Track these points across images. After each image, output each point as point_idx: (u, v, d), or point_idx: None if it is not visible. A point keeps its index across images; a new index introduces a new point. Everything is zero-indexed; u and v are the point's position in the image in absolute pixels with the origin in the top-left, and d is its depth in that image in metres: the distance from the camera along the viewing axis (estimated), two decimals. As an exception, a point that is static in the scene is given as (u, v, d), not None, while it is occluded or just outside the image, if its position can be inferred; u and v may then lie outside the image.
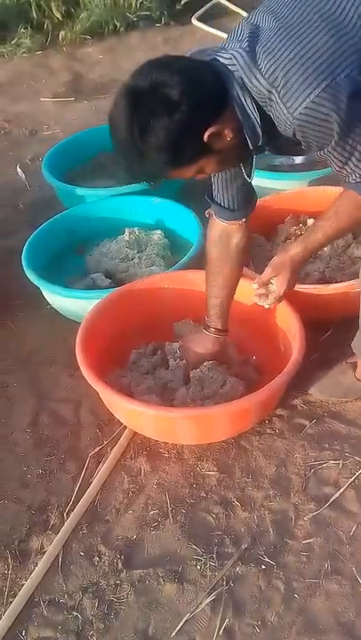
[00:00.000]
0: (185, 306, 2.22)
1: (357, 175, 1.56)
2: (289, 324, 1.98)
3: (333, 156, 1.55)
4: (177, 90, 1.40)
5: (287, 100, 1.46)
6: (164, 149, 1.44)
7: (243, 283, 2.11)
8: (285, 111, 1.47)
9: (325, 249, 2.39)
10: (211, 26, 4.87)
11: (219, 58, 1.53)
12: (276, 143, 1.62)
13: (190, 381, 2.02)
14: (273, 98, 1.48)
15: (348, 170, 1.57)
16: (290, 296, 2.01)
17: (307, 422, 1.99)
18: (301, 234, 2.50)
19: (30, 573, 1.68)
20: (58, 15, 4.97)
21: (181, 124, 1.42)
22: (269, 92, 1.48)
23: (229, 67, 1.52)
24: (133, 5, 5.01)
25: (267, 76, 1.47)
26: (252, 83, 1.49)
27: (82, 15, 4.97)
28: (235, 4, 5.09)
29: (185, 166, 1.54)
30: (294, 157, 2.93)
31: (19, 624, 1.59)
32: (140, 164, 1.50)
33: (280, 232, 2.57)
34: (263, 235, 2.57)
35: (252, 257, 2.46)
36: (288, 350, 1.94)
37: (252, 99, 1.52)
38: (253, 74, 1.49)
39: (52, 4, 4.93)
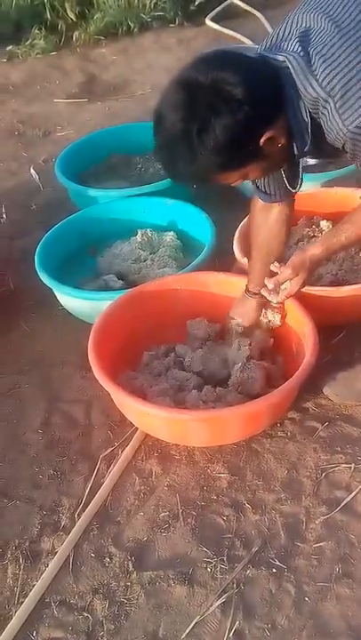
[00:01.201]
0: (197, 307, 2.22)
1: None
2: (302, 327, 1.98)
3: None
4: (241, 89, 1.35)
5: (343, 111, 1.42)
6: (221, 151, 1.39)
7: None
8: (340, 123, 1.43)
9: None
10: (225, 26, 4.87)
11: (273, 58, 1.48)
12: (319, 149, 1.58)
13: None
14: (328, 107, 1.44)
15: None
16: (303, 298, 2.02)
17: (319, 425, 1.99)
18: (315, 235, 2.51)
19: (41, 574, 1.69)
20: (72, 16, 5.00)
21: (243, 125, 1.37)
22: (325, 100, 1.43)
23: (285, 68, 1.46)
24: (147, 6, 5.03)
25: (324, 85, 1.42)
26: (306, 89, 1.45)
27: (96, 16, 4.99)
28: (249, 5, 5.10)
29: (233, 170, 1.50)
30: (308, 159, 2.92)
31: (29, 624, 1.60)
32: (188, 164, 1.43)
33: (293, 234, 2.56)
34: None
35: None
36: (301, 353, 1.94)
37: (305, 104, 1.48)
38: (308, 80, 1.44)
39: (67, 5, 4.96)
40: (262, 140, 1.44)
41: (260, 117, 1.41)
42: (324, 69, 1.42)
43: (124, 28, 4.99)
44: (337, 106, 1.42)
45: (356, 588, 1.60)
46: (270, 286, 1.81)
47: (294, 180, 1.76)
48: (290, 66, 1.45)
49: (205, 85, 1.36)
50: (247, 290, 2.07)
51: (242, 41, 4.60)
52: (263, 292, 1.84)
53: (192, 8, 5.13)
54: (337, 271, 2.34)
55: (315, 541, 1.71)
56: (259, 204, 1.93)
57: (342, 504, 1.78)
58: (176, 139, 1.40)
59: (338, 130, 1.45)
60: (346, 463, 1.88)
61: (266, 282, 1.84)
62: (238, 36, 4.69)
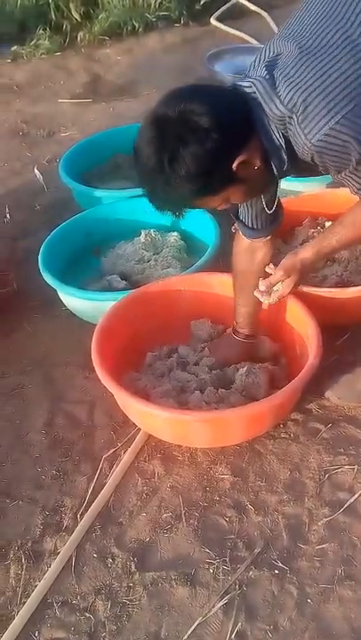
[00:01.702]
0: (201, 308, 2.23)
1: None
2: (305, 328, 1.98)
3: (351, 180, 1.56)
4: (207, 118, 1.40)
5: (305, 126, 1.46)
6: (194, 178, 1.44)
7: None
8: (303, 137, 1.47)
9: (345, 252, 2.39)
10: (230, 26, 4.88)
11: (240, 86, 1.54)
12: (298, 167, 1.61)
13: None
14: (292, 122, 1.48)
15: None
16: (307, 299, 2.03)
17: (322, 427, 1.99)
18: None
19: (44, 574, 1.70)
20: (76, 16, 5.01)
21: (212, 152, 1.42)
22: (290, 117, 1.48)
23: (251, 94, 1.51)
24: (152, 6, 5.04)
25: (285, 102, 1.47)
26: (271, 110, 1.50)
27: (100, 16, 5.00)
28: (254, 4, 5.10)
29: (211, 195, 1.54)
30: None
31: (32, 625, 1.61)
32: (167, 194, 1.49)
33: (298, 235, 2.57)
34: (281, 237, 2.57)
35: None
36: (304, 354, 1.94)
37: (275, 124, 1.52)
38: (273, 101, 1.49)
39: (71, 5, 4.97)
40: (235, 165, 1.48)
41: (230, 143, 1.46)
42: (286, 87, 1.47)
43: (129, 28, 5.00)
44: (299, 120, 1.46)
45: (359, 589, 1.60)
46: (262, 288, 1.82)
47: (271, 202, 1.80)
48: (256, 90, 1.51)
49: (173, 118, 1.42)
50: (235, 331, 2.09)
51: (247, 40, 4.60)
52: (256, 294, 1.85)
53: (197, 7, 5.14)
54: (342, 272, 2.34)
55: (317, 543, 1.71)
56: (243, 243, 1.94)
57: (345, 506, 1.78)
58: (152, 171, 1.46)
59: (303, 144, 1.49)
60: (349, 465, 1.88)
61: (259, 283, 1.84)
62: (243, 35, 4.69)
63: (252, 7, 5.10)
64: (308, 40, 1.50)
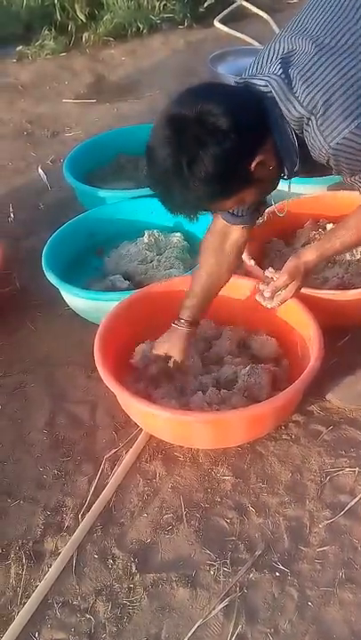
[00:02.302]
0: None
1: None
2: (307, 330, 1.95)
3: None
4: (225, 119, 1.36)
5: (325, 128, 1.42)
6: (213, 180, 1.40)
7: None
8: (322, 140, 1.44)
9: (346, 254, 2.37)
10: (233, 28, 4.85)
11: (254, 84, 1.49)
12: (308, 167, 1.58)
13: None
14: (311, 124, 1.44)
15: None
16: (309, 301, 2.00)
17: (323, 429, 1.97)
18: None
19: (44, 574, 1.68)
20: (81, 17, 4.98)
21: (230, 154, 1.38)
22: (308, 118, 1.44)
23: (267, 93, 1.47)
24: (157, 8, 5.01)
25: (305, 104, 1.43)
26: (289, 111, 1.45)
27: (105, 17, 4.97)
28: (257, 7, 5.07)
29: (228, 197, 1.50)
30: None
31: (32, 625, 1.59)
32: (183, 196, 1.44)
33: (299, 237, 2.55)
34: (282, 239, 2.55)
35: (271, 261, 2.44)
36: (306, 356, 1.92)
37: (290, 125, 1.48)
38: (291, 101, 1.45)
39: (76, 6, 4.94)
40: (253, 166, 1.44)
41: (248, 144, 1.43)
42: (305, 89, 1.42)
43: (134, 30, 4.97)
44: (318, 122, 1.42)
45: (360, 593, 1.58)
46: (267, 294, 1.77)
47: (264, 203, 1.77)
48: (272, 89, 1.46)
49: (191, 118, 1.37)
50: (179, 319, 1.98)
51: (250, 43, 4.58)
52: (258, 298, 1.80)
53: (201, 10, 5.11)
54: (343, 274, 2.32)
55: (318, 545, 1.68)
56: (218, 224, 1.88)
57: (346, 508, 1.76)
58: (168, 173, 1.41)
59: (320, 147, 1.45)
60: (350, 467, 1.85)
61: (261, 287, 1.80)
62: (246, 37, 4.66)
63: (255, 10, 5.08)
64: (323, 39, 1.46)
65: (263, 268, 2.25)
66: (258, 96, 1.47)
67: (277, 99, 1.45)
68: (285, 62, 1.46)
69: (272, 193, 1.86)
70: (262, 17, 4.98)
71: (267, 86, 1.47)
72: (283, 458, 1.90)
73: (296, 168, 1.55)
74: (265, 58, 1.54)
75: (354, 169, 1.49)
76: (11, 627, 1.58)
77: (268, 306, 1.80)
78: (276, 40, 1.55)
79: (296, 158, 1.52)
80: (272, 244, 2.52)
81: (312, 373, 1.81)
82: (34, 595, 1.63)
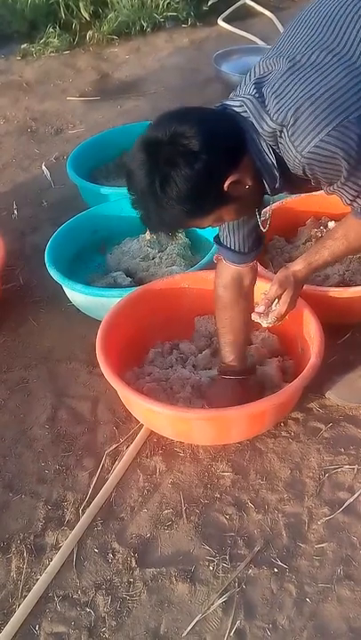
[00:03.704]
0: (204, 306, 2.19)
1: None
2: (308, 327, 1.95)
3: (342, 192, 1.53)
4: (196, 140, 1.39)
5: (295, 138, 1.43)
6: (185, 200, 1.43)
7: (265, 286, 2.09)
8: (293, 150, 1.45)
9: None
10: (237, 27, 4.83)
11: (230, 106, 1.52)
12: (291, 183, 1.59)
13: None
14: (283, 135, 1.46)
15: (359, 204, 1.54)
16: (309, 299, 1.99)
17: (322, 426, 1.96)
18: (322, 236, 2.47)
19: (45, 568, 1.68)
20: (86, 15, 4.96)
21: (202, 174, 1.41)
22: (280, 130, 1.46)
23: (242, 113, 1.50)
24: (160, 6, 4.98)
25: (274, 118, 1.45)
26: (262, 127, 1.48)
27: (109, 15, 4.95)
28: (261, 6, 5.05)
29: (204, 216, 1.52)
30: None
31: (32, 618, 1.59)
32: (159, 216, 1.47)
33: (301, 234, 2.54)
34: (284, 236, 2.54)
35: (272, 259, 2.44)
36: (306, 353, 1.91)
37: (266, 141, 1.50)
38: (263, 119, 1.47)
39: (81, 5, 4.92)
40: (226, 185, 1.46)
41: (220, 164, 1.44)
42: (276, 104, 1.45)
43: (137, 28, 4.94)
44: (289, 133, 1.44)
45: (358, 589, 1.58)
46: (261, 309, 1.75)
47: (264, 221, 1.75)
48: (247, 109, 1.49)
49: (164, 141, 1.41)
50: (225, 372, 1.96)
51: (253, 41, 4.56)
52: (253, 317, 1.78)
53: (205, 8, 5.08)
54: (344, 272, 2.31)
55: (317, 542, 1.68)
56: (228, 273, 1.86)
57: (345, 505, 1.75)
58: (144, 193, 1.45)
59: (294, 157, 1.46)
60: (349, 464, 1.84)
61: (255, 307, 1.77)
62: (250, 36, 4.64)
63: (259, 8, 5.05)
64: (297, 56, 1.48)
65: (265, 265, 2.25)
66: (233, 117, 1.50)
67: (252, 117, 1.48)
68: (259, 83, 1.50)
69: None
70: (266, 15, 4.96)
71: (242, 106, 1.50)
72: (282, 455, 1.89)
73: (278, 184, 1.56)
74: (243, 82, 1.58)
75: (330, 178, 1.49)
76: (11, 620, 1.58)
77: (265, 323, 1.76)
78: (257, 65, 1.59)
79: (277, 173, 1.53)
80: (274, 241, 2.51)
81: (312, 370, 1.81)
82: (34, 588, 1.63)
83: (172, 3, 5.00)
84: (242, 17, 5.02)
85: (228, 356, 1.94)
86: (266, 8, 5.01)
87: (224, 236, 1.80)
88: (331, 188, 1.53)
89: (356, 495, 1.77)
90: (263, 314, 1.75)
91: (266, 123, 1.47)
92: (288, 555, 1.66)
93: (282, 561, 1.64)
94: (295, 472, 1.84)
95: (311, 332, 1.91)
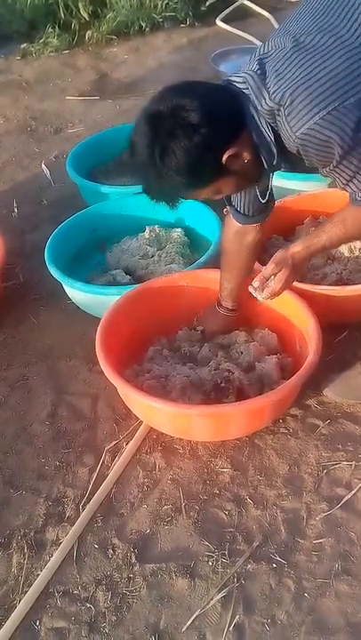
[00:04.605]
0: (203, 304, 2.19)
1: None
2: (306, 325, 1.94)
3: (336, 175, 1.54)
4: (196, 114, 1.42)
5: (291, 118, 1.45)
6: (183, 171, 1.46)
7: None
8: (289, 130, 1.47)
9: (344, 252, 2.36)
10: (235, 27, 4.81)
11: (233, 81, 1.54)
12: (289, 161, 1.61)
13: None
14: (280, 114, 1.48)
15: (353, 188, 1.56)
16: (307, 297, 1.99)
17: (321, 423, 1.95)
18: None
19: (45, 564, 1.67)
20: (85, 15, 4.94)
21: (200, 146, 1.43)
22: (278, 110, 1.48)
23: (243, 90, 1.52)
24: (159, 6, 4.97)
25: (273, 96, 1.47)
26: (261, 105, 1.50)
27: (108, 15, 4.93)
28: (259, 6, 5.04)
29: (202, 187, 1.56)
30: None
31: (33, 614, 1.58)
32: (159, 186, 1.51)
33: (299, 233, 2.53)
34: (282, 235, 2.53)
35: (270, 257, 2.42)
36: (304, 351, 1.91)
37: (265, 119, 1.51)
38: (263, 96, 1.49)
39: (80, 5, 4.90)
40: (224, 158, 1.49)
41: (219, 137, 1.47)
42: (275, 83, 1.47)
43: (136, 28, 4.93)
44: (286, 113, 1.46)
45: (356, 585, 1.57)
46: (256, 284, 1.79)
47: (264, 192, 1.79)
48: (248, 85, 1.51)
49: (166, 114, 1.44)
50: (219, 304, 2.11)
51: (251, 41, 4.54)
52: (250, 289, 1.82)
53: (203, 9, 5.07)
54: (342, 270, 2.30)
55: (315, 538, 1.67)
56: (233, 227, 1.93)
57: (343, 501, 1.74)
58: (145, 164, 1.48)
59: (289, 137, 1.48)
60: (347, 461, 1.84)
61: (253, 282, 1.81)
62: (248, 36, 4.63)
63: (257, 9, 5.04)
64: (302, 37, 1.49)
65: (263, 263, 2.24)
66: (234, 92, 1.52)
67: (252, 95, 1.50)
68: (263, 60, 1.52)
69: (273, 190, 1.89)
70: (264, 16, 4.95)
71: (244, 82, 1.52)
72: (281, 451, 1.89)
73: (275, 160, 1.58)
74: (249, 59, 1.59)
75: (324, 161, 1.51)
76: (12, 615, 1.57)
77: (259, 297, 1.80)
78: (265, 43, 1.60)
79: (274, 150, 1.55)
80: (272, 240, 2.51)
81: (310, 368, 1.80)
82: (35, 584, 1.63)
83: (170, 3, 4.99)
84: (240, 17, 5.01)
85: (223, 291, 2.08)
86: (263, 8, 5.00)
87: (233, 196, 1.84)
88: (325, 170, 1.55)
89: (353, 491, 1.76)
90: (258, 289, 1.78)
91: (265, 100, 1.49)
92: (287, 550, 1.65)
93: (280, 556, 1.64)
94: (294, 468, 1.84)
95: (309, 330, 1.91)
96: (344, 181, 1.55)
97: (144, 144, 1.46)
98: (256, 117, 1.51)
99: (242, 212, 1.85)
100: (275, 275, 1.75)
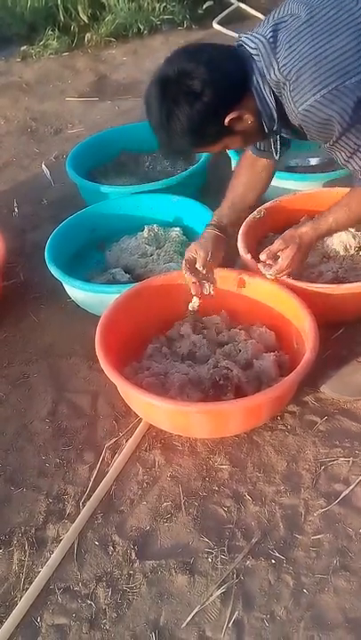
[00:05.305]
0: (201, 302, 2.16)
1: None
2: (302, 323, 1.91)
3: (337, 150, 1.60)
4: (199, 81, 1.48)
5: (295, 94, 1.51)
6: (188, 134, 1.55)
7: (254, 281, 2.06)
8: (292, 104, 1.53)
9: (340, 250, 2.33)
10: (231, 30, 4.77)
11: (246, 44, 1.58)
12: (292, 129, 1.65)
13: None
14: (285, 88, 1.53)
15: (354, 166, 1.61)
16: (304, 295, 1.96)
17: (318, 419, 1.92)
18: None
19: (46, 561, 1.64)
20: (84, 18, 4.90)
21: (201, 113, 1.52)
22: (284, 83, 1.53)
23: (253, 55, 1.56)
24: (157, 9, 4.93)
25: (282, 69, 1.52)
26: (269, 74, 1.55)
27: (107, 18, 4.89)
28: (254, 9, 5.00)
29: (208, 146, 1.65)
30: (310, 159, 2.86)
31: (34, 610, 1.56)
32: (170, 144, 1.62)
33: (295, 232, 2.50)
34: (279, 234, 2.48)
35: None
36: (301, 348, 1.88)
37: (270, 87, 1.55)
38: (272, 65, 1.54)
39: (79, 8, 4.86)
40: (227, 121, 1.56)
41: (221, 103, 1.54)
42: (286, 56, 1.52)
43: (134, 31, 4.89)
44: (290, 88, 1.52)
45: (354, 580, 1.55)
46: (263, 257, 1.85)
47: (280, 150, 1.87)
48: (259, 52, 1.56)
49: (172, 79, 1.51)
50: (209, 224, 2.06)
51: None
52: (258, 266, 1.91)
53: (200, 11, 5.03)
54: (337, 269, 2.28)
55: (313, 534, 1.65)
56: (247, 155, 2.00)
57: (340, 497, 1.72)
58: (156, 124, 1.59)
59: (291, 111, 1.55)
60: (344, 457, 1.81)
61: (261, 255, 1.87)
62: (244, 39, 4.59)
63: (253, 12, 5.00)
64: (318, 11, 1.52)
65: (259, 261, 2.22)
66: (243, 58, 1.57)
67: (261, 61, 1.55)
68: (277, 26, 1.56)
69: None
70: (260, 18, 4.91)
71: (255, 48, 1.56)
72: (279, 447, 1.86)
73: (275, 126, 1.65)
74: (266, 19, 1.64)
75: (324, 137, 1.57)
76: (13, 612, 1.55)
77: (267, 274, 1.89)
78: (282, 5, 1.63)
79: (275, 116, 1.61)
80: (268, 238, 2.47)
81: (307, 365, 1.77)
82: (36, 580, 1.60)
83: (168, 6, 4.95)
84: (236, 20, 4.97)
85: (220, 210, 2.06)
86: (259, 11, 4.96)
87: None
88: (326, 146, 1.61)
89: (351, 487, 1.74)
90: (267, 265, 1.88)
91: (273, 71, 1.54)
92: (285, 546, 1.63)
93: (279, 552, 1.61)
94: (292, 464, 1.81)
95: (306, 327, 1.88)
96: (345, 157, 1.60)
97: (154, 107, 1.55)
98: (261, 84, 1.56)
99: (257, 146, 1.93)
100: (282, 252, 1.81)
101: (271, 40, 1.53)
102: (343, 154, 1.58)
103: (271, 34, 1.54)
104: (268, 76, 1.54)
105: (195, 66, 1.49)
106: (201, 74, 1.48)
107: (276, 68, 1.52)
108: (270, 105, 1.58)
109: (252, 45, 1.56)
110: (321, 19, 1.49)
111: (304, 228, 1.79)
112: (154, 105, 1.55)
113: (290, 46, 1.50)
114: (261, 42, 1.55)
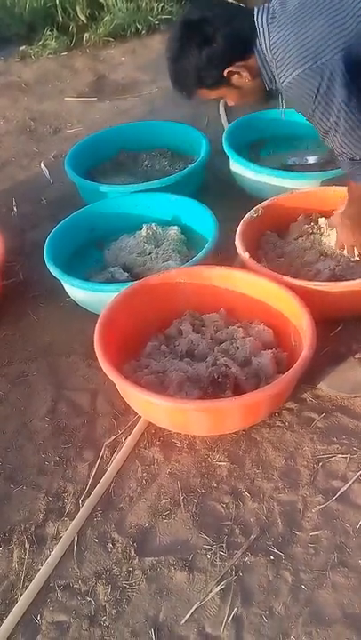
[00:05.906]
0: (199, 300, 2.16)
1: (344, 155, 1.82)
2: (300, 321, 1.90)
3: (315, 123, 1.78)
4: (214, 29, 1.73)
5: (280, 72, 1.75)
6: (190, 73, 1.80)
7: (252, 279, 2.05)
8: (278, 79, 1.77)
9: (337, 249, 2.32)
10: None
11: (258, 13, 1.78)
12: None
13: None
14: (272, 65, 1.77)
15: (332, 142, 1.79)
16: (301, 293, 1.95)
17: (316, 416, 1.92)
18: (313, 232, 2.44)
19: (46, 558, 1.63)
20: (83, 18, 4.87)
21: (206, 59, 1.76)
22: (271, 60, 1.76)
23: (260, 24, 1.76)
24: (155, 9, 4.90)
25: (272, 48, 1.75)
26: (262, 47, 1.77)
27: (106, 18, 4.86)
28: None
29: (208, 89, 1.86)
30: (308, 157, 2.85)
31: (34, 608, 1.55)
32: (176, 78, 1.87)
33: (292, 230, 2.49)
34: (276, 232, 2.49)
35: (264, 254, 2.39)
36: (299, 345, 1.87)
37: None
38: (267, 42, 1.75)
39: (78, 8, 4.83)
40: (225, 72, 1.79)
41: (224, 55, 1.76)
42: (275, 34, 1.73)
43: (133, 30, 4.86)
44: (276, 66, 1.75)
45: (352, 576, 1.54)
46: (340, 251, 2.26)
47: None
48: (261, 27, 1.76)
49: (194, 23, 1.76)
50: None
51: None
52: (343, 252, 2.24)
53: (197, 12, 5.01)
54: (335, 267, 2.26)
55: (311, 530, 1.64)
56: None
57: (338, 493, 1.71)
58: (169, 59, 1.85)
59: (279, 84, 1.78)
60: (342, 453, 1.81)
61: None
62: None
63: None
64: None
65: (257, 260, 2.21)
66: (252, 24, 1.77)
67: (262, 36, 1.76)
68: (279, 6, 1.76)
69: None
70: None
71: (261, 19, 1.77)
72: (277, 444, 1.85)
73: (274, 86, 1.83)
74: None
75: (303, 111, 1.77)
76: (13, 609, 1.54)
77: (353, 257, 2.24)
78: None
79: (274, 81, 1.81)
80: (266, 236, 2.47)
81: (305, 362, 1.77)
82: (36, 578, 1.59)
83: (166, 6, 4.91)
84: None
85: None
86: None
87: None
88: (307, 117, 1.79)
89: (349, 483, 1.73)
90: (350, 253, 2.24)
91: (267, 46, 1.75)
92: (284, 542, 1.62)
93: (278, 548, 1.61)
94: (290, 461, 1.80)
95: (304, 325, 1.87)
96: (323, 132, 1.79)
97: (173, 43, 1.80)
98: (263, 50, 1.76)
99: None
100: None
101: (273, 15, 1.75)
102: (320, 128, 1.77)
103: (270, 14, 1.75)
104: (263, 50, 1.75)
105: (215, 17, 1.73)
106: (218, 26, 1.72)
107: (268, 43, 1.74)
108: (268, 65, 1.77)
109: (261, 15, 1.77)
110: (307, 4, 1.70)
111: (340, 209, 2.11)
112: (173, 42, 1.80)
113: (281, 29, 1.71)
114: (264, 17, 1.75)
